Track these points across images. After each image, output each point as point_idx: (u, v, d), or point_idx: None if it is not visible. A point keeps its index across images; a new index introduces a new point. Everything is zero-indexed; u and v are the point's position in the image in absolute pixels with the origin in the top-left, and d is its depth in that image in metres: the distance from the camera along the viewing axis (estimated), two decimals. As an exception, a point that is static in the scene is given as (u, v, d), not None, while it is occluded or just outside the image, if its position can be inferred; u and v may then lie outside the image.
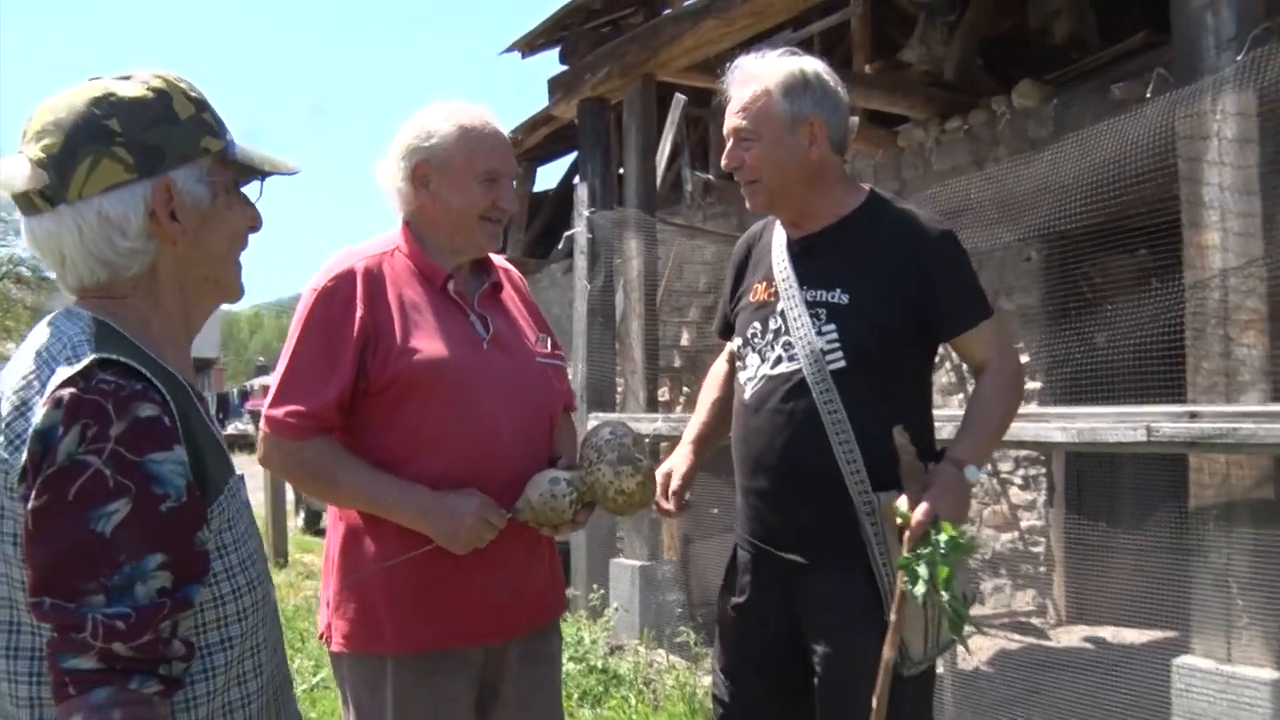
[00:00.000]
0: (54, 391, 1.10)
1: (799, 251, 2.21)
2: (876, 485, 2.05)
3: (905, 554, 1.90)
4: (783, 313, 2.17)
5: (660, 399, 6.90)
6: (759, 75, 2.14)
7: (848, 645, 2.08)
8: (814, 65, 2.16)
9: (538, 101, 11.26)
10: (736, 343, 2.30)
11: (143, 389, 1.13)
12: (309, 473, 2.01)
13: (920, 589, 1.85)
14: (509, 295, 2.21)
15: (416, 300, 2.02)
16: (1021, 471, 6.29)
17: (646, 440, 2.01)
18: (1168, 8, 3.31)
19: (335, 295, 1.98)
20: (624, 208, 6.07)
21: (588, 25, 6.30)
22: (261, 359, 44.97)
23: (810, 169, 2.15)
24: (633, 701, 4.42)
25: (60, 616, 1.06)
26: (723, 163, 2.21)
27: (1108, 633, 5.67)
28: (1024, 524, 6.27)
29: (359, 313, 1.96)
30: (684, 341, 8.72)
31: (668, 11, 5.75)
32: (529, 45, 6.55)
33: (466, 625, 2.01)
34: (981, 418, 2.11)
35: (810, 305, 2.13)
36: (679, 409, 8.11)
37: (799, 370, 2.12)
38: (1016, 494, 6.33)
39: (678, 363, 8.65)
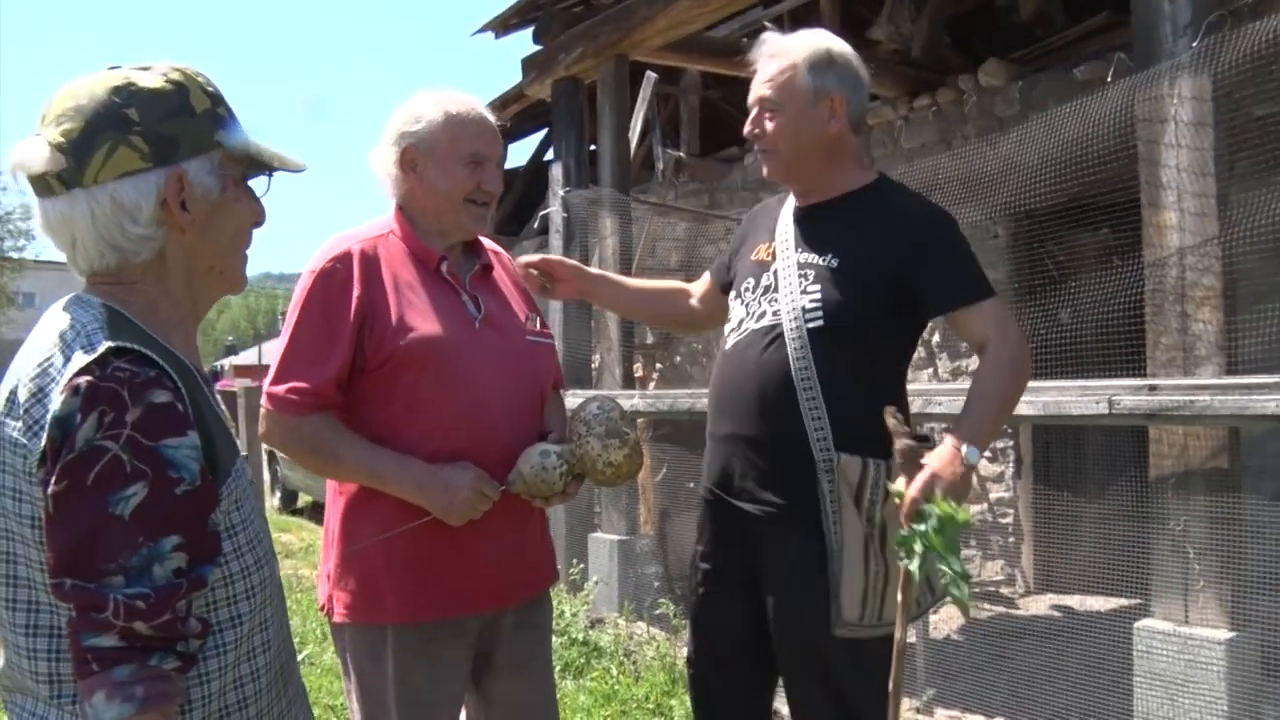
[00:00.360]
0: (71, 379, 1.13)
1: (802, 217, 2.30)
2: (838, 445, 2.11)
3: (902, 531, 1.92)
4: (776, 271, 2.25)
5: (634, 375, 6.98)
6: (788, 50, 2.24)
7: (792, 601, 2.16)
8: (840, 45, 2.27)
9: (511, 82, 11.22)
10: (730, 296, 2.39)
11: (156, 376, 1.16)
12: (310, 447, 2.06)
13: (915, 565, 1.87)
14: (499, 276, 2.28)
15: (411, 281, 2.09)
16: (990, 444, 6.43)
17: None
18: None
19: (333, 276, 2.05)
20: (599, 187, 6.12)
21: (560, 5, 6.31)
22: (231, 339, 44.55)
23: (827, 142, 2.24)
24: (614, 673, 4.52)
25: (81, 596, 1.10)
26: (745, 130, 2.31)
27: (1074, 600, 5.83)
28: (993, 496, 6.43)
29: (356, 293, 2.03)
30: (657, 319, 8.79)
31: (641, -9, 5.78)
32: (502, 25, 6.55)
33: (464, 594, 2.09)
34: (981, 399, 2.11)
35: (801, 266, 2.22)
36: (652, 385, 8.20)
37: (779, 325, 2.19)
38: (985, 466, 6.48)
39: (650, 339, 8.74)
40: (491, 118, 2.20)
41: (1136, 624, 3.29)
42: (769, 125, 2.26)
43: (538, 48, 6.46)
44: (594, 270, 2.59)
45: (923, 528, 1.85)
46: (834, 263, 2.19)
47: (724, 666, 2.34)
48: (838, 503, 2.10)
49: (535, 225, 9.85)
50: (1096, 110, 3.58)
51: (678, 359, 9.22)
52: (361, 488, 2.08)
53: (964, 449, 1.99)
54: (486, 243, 2.31)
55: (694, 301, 2.62)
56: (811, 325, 2.15)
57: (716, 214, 8.04)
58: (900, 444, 1.97)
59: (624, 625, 5.27)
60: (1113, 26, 6.18)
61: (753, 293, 2.30)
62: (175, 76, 1.28)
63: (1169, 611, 3.21)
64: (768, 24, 6.35)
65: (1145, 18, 3.34)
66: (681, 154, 9.35)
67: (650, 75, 8.59)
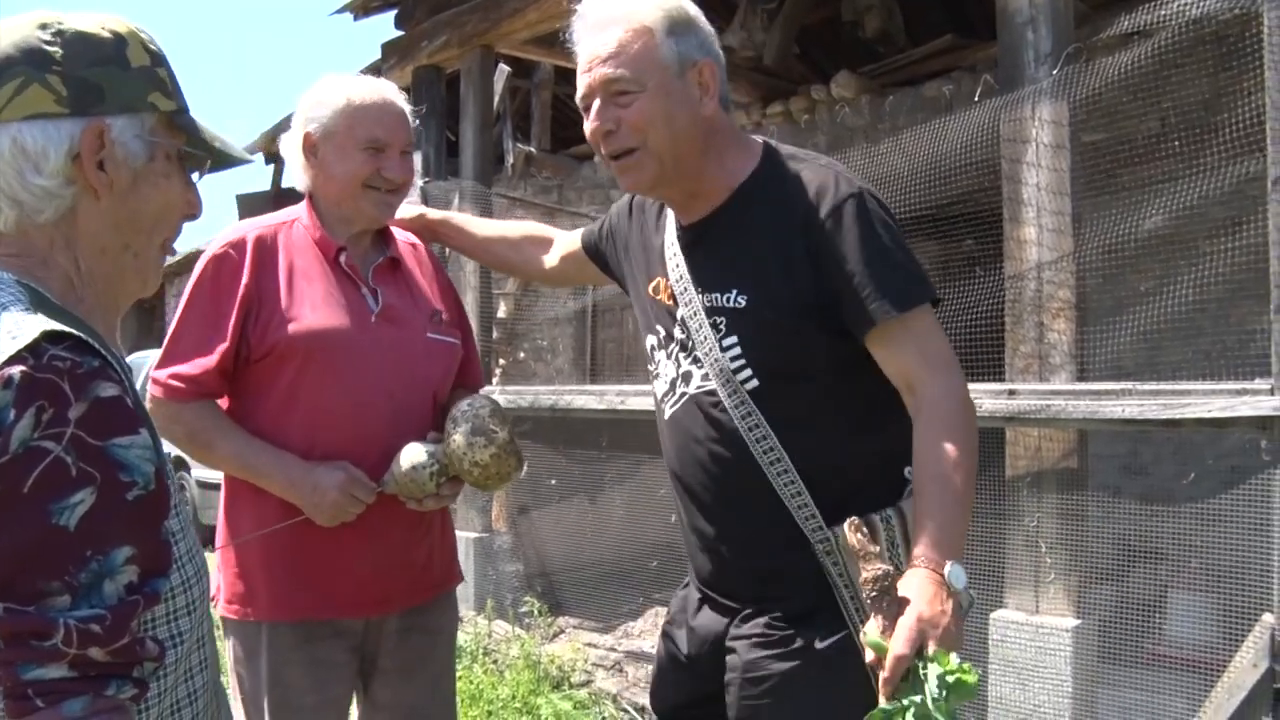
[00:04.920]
0: (0, 369, 0.98)
1: (689, 242, 1.83)
2: (829, 516, 1.67)
3: (883, 703, 1.37)
4: (684, 321, 1.82)
5: (492, 371, 6.90)
6: (630, 12, 1.71)
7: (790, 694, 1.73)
8: (689, 1, 1.79)
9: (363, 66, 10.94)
10: (649, 340, 1.95)
11: (100, 366, 1.03)
12: (186, 434, 2.04)
13: None
14: (410, 270, 2.22)
15: (307, 270, 2.07)
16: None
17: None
18: (971, 14, 3.61)
19: (225, 262, 2.03)
20: (459, 179, 6.02)
21: (422, -10, 6.16)
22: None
23: (704, 127, 1.74)
24: (477, 671, 4.47)
25: (18, 622, 0.95)
26: (590, 127, 1.75)
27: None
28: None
29: (244, 280, 2.01)
30: (500, 314, 8.73)
31: (510, -18, 5.71)
32: (362, 8, 6.32)
33: (338, 596, 2.06)
34: (940, 492, 1.56)
35: (709, 312, 1.77)
36: (495, 380, 8.13)
37: (715, 390, 1.76)
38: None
39: (495, 335, 8.66)
40: (401, 104, 2.15)
41: (992, 614, 3.49)
42: (625, 114, 1.70)
43: (399, 33, 6.28)
44: (436, 212, 2.45)
45: (919, 697, 1.34)
46: (741, 301, 1.73)
47: None
48: (850, 583, 1.66)
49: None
50: (961, 129, 3.78)
51: (521, 355, 9.16)
52: (243, 481, 2.06)
53: (947, 570, 1.49)
54: (401, 235, 2.26)
55: (552, 256, 2.29)
56: (748, 387, 1.72)
57: (569, 210, 8.04)
58: (869, 571, 1.47)
59: (484, 624, 5.21)
60: (955, 49, 6.54)
61: (665, 348, 1.88)
62: (115, 27, 1.16)
63: (1021, 602, 3.42)
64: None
65: (1010, 44, 3.55)
66: (532, 149, 9.31)
67: (503, 68, 8.51)
